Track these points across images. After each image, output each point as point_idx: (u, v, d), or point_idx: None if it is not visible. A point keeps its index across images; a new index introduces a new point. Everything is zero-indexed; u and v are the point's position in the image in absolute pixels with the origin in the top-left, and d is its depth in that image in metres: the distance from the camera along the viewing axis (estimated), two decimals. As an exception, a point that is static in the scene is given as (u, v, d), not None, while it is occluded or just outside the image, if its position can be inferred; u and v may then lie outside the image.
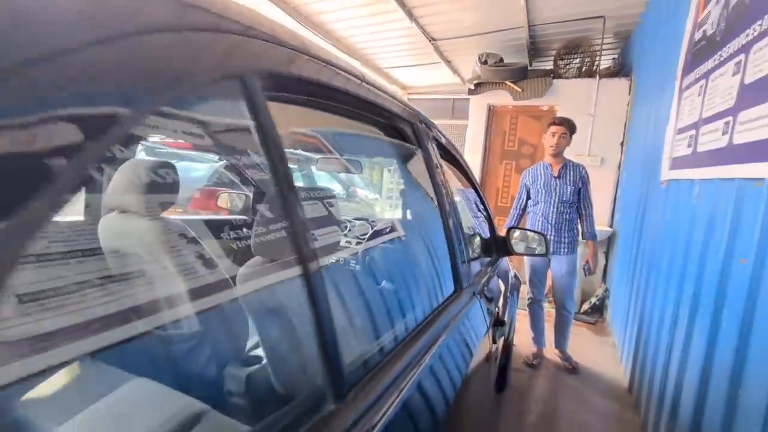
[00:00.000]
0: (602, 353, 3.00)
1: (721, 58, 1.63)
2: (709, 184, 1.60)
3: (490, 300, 1.30)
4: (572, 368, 2.67)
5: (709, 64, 1.76)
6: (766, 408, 1.05)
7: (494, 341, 1.29)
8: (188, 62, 0.36)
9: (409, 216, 1.58)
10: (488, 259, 1.60)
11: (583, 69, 4.15)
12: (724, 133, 1.51)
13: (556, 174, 2.63)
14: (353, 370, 0.56)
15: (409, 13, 3.76)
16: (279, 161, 0.47)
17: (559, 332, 2.78)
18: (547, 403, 2.31)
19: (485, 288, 1.28)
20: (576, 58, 4.20)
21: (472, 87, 4.51)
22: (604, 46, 4.10)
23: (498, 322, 1.32)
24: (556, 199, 2.61)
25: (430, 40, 4.43)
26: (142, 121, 0.33)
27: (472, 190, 1.70)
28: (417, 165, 1.01)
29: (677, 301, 1.77)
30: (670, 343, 1.80)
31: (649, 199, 2.59)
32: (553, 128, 2.62)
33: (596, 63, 4.13)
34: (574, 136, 2.68)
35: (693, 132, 1.85)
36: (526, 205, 2.77)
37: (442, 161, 1.14)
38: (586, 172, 2.66)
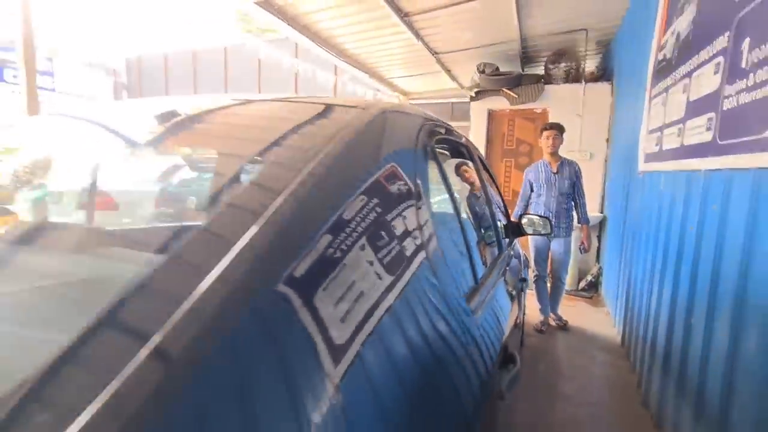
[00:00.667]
0: (598, 320, 3.53)
1: (675, 78, 2.15)
2: (670, 174, 2.13)
3: (513, 266, 1.80)
4: (564, 325, 3.25)
5: (668, 81, 2.28)
6: (729, 338, 1.56)
7: (519, 297, 1.79)
8: (416, 138, 0.86)
9: (470, 207, 2.09)
10: (507, 240, 2.11)
11: (570, 74, 4.68)
12: (678, 136, 2.03)
13: (555, 170, 3.15)
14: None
15: (417, 34, 4.26)
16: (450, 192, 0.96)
17: (553, 299, 3.34)
18: (554, 356, 2.83)
19: (511, 255, 1.79)
20: (564, 64, 4.72)
21: (473, 95, 5.03)
22: (588, 53, 4.65)
23: (522, 279, 1.83)
24: (556, 192, 3.13)
25: (432, 54, 4.94)
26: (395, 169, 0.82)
27: (494, 186, 2.21)
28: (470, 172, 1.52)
29: (652, 265, 2.30)
30: (649, 298, 2.32)
31: (630, 187, 3.12)
32: (546, 132, 3.16)
33: (582, 68, 4.66)
34: (565, 135, 3.22)
35: (659, 134, 2.38)
36: (530, 197, 3.29)
37: (480, 165, 1.64)
38: (579, 168, 3.20)
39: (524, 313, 2.86)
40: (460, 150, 1.38)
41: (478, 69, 5.00)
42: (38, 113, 2.55)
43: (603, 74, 4.74)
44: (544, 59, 4.98)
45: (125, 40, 21.54)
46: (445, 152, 1.31)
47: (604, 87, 4.42)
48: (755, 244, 1.26)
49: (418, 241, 0.67)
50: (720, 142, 1.55)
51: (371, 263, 0.53)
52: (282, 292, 0.41)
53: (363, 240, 0.53)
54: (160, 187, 0.87)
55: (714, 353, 1.48)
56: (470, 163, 1.56)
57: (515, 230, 2.18)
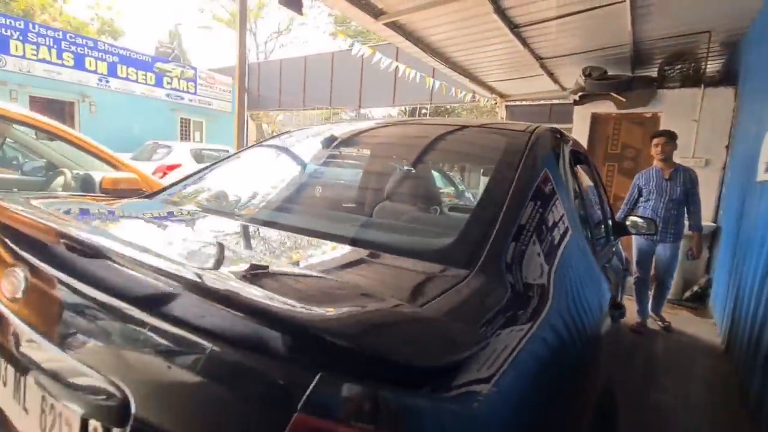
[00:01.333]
0: (702, 329, 3.48)
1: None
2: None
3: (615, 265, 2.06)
4: (667, 326, 3.29)
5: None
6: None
7: (621, 284, 2.05)
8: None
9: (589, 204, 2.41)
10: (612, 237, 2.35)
11: (688, 78, 4.49)
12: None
13: (667, 177, 3.20)
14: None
15: (524, 42, 4.49)
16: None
17: (657, 301, 3.39)
18: (652, 354, 2.95)
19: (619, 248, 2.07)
20: (680, 67, 4.55)
21: (577, 98, 5.08)
22: (710, 55, 4.43)
23: (625, 270, 2.09)
24: (666, 198, 3.19)
25: (537, 59, 5.10)
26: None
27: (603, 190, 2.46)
28: (587, 176, 1.84)
29: (764, 271, 2.34)
30: (757, 305, 2.37)
31: (747, 196, 3.06)
32: (655, 140, 3.23)
33: (702, 71, 4.45)
34: (678, 141, 3.24)
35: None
36: (636, 201, 3.38)
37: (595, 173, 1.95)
38: (695, 175, 3.21)
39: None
40: (581, 158, 1.72)
41: (584, 73, 5.03)
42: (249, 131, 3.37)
43: (725, 77, 4.48)
44: (658, 62, 4.83)
45: (257, 51, 24.39)
46: (575, 157, 1.66)
47: (726, 91, 4.20)
48: None
49: (570, 226, 1.05)
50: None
51: (561, 226, 0.95)
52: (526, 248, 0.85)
53: (552, 197, 0.95)
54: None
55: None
56: (587, 168, 1.88)
57: (619, 229, 2.41)
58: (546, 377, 0.61)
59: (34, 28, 8.94)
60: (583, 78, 5.02)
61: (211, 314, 0.48)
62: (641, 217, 2.56)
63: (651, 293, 3.42)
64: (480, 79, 6.43)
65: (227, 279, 0.57)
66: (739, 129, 3.91)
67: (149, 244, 0.70)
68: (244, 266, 0.69)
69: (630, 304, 3.49)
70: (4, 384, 0.67)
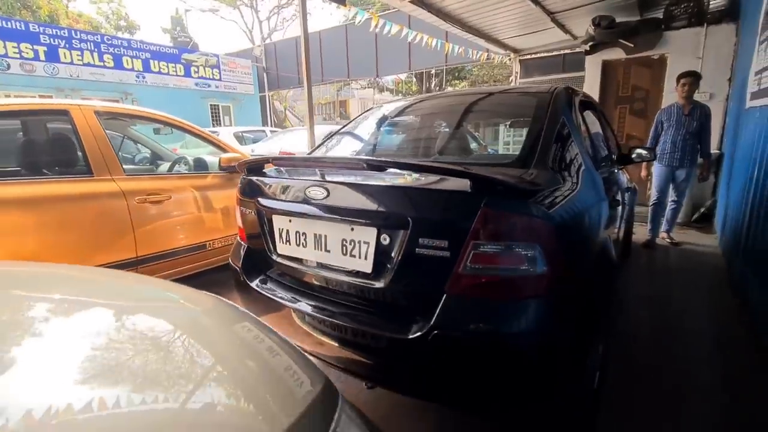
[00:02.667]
0: (706, 241, 4.10)
1: (774, 29, 2.67)
2: (764, 109, 2.72)
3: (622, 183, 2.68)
4: (676, 244, 3.91)
5: (771, 29, 2.77)
6: None
7: (624, 201, 2.69)
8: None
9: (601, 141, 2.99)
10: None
11: (693, 15, 4.83)
12: (769, 77, 2.61)
13: (686, 113, 3.72)
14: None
15: (536, 1, 4.89)
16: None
17: (670, 219, 4.00)
18: (659, 263, 3.61)
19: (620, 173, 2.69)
20: (685, 4, 4.87)
21: (588, 48, 5.48)
22: (714, -8, 4.74)
23: (629, 189, 2.73)
24: (684, 131, 3.72)
25: (548, 14, 5.47)
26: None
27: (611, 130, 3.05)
28: (592, 120, 2.45)
29: (747, 177, 2.93)
30: (745, 210, 2.97)
31: (739, 122, 3.57)
32: (682, 80, 3.70)
33: (706, 8, 4.78)
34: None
35: (761, 75, 2.89)
36: (660, 134, 3.91)
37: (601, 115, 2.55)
38: (709, 111, 3.72)
39: (632, 230, 3.66)
40: (592, 105, 2.33)
41: (593, 22, 5.39)
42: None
43: (728, 14, 4.79)
44: (665, 3, 5.14)
45: (260, 28, 24.47)
46: (583, 105, 2.27)
47: (728, 28, 4.56)
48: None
49: (580, 150, 1.69)
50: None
51: (574, 149, 1.60)
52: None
53: (567, 139, 1.61)
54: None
55: (764, 228, 2.26)
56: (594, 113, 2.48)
57: (624, 159, 3.01)
58: (579, 209, 1.31)
59: (76, 35, 9.66)
60: (593, 28, 5.39)
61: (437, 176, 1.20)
62: (645, 148, 3.13)
63: (665, 216, 4.02)
64: (494, 37, 6.80)
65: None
66: (739, 63, 4.31)
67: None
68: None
69: (641, 229, 4.12)
70: (305, 245, 1.41)
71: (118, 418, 0.56)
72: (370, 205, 1.24)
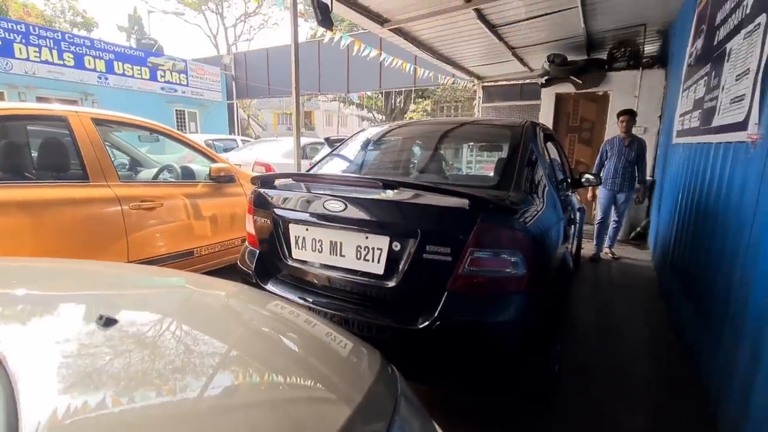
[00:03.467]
0: (641, 256, 4.71)
1: (692, 80, 3.26)
2: (685, 145, 3.29)
3: (575, 204, 3.12)
4: (617, 258, 4.46)
5: (691, 80, 3.38)
6: (693, 237, 2.80)
7: (576, 219, 3.12)
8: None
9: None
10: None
11: (630, 61, 5.59)
12: (689, 120, 3.18)
13: (626, 144, 4.31)
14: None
15: (499, 37, 5.44)
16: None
17: (612, 238, 4.55)
18: (603, 273, 4.12)
19: (573, 195, 3.13)
20: (623, 50, 5.62)
21: (543, 82, 6.12)
22: (647, 41, 5.52)
23: (580, 209, 3.17)
24: (623, 159, 4.31)
25: (510, 49, 6.07)
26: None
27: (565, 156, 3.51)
28: (552, 149, 2.86)
29: (673, 202, 3.49)
30: (671, 230, 3.52)
31: (668, 155, 4.21)
32: (621, 117, 4.30)
33: (640, 55, 5.55)
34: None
35: (684, 118, 3.49)
36: (604, 161, 4.48)
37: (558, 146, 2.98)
38: (645, 144, 4.35)
39: (581, 245, 4.16)
40: (551, 137, 2.74)
41: (548, 59, 6.05)
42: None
43: (658, 61, 5.60)
44: (609, 46, 5.89)
45: (226, 35, 24.04)
46: (545, 136, 2.67)
47: (659, 72, 5.33)
48: (711, 186, 2.52)
49: (544, 175, 2.05)
50: (701, 127, 2.75)
51: (540, 174, 1.96)
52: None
53: (535, 166, 1.96)
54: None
55: (689, 239, 2.76)
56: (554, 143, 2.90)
57: (576, 183, 3.48)
58: (545, 224, 1.63)
59: (34, 30, 9.14)
60: (548, 63, 6.04)
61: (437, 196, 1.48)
62: (592, 174, 3.64)
63: (608, 233, 4.58)
64: (461, 65, 7.35)
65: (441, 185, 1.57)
66: (668, 103, 5.05)
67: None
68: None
69: (588, 245, 4.66)
70: (321, 251, 1.63)
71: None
72: (384, 217, 1.49)
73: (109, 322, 0.73)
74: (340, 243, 1.58)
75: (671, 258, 3.32)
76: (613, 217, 4.54)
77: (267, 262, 1.85)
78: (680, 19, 4.66)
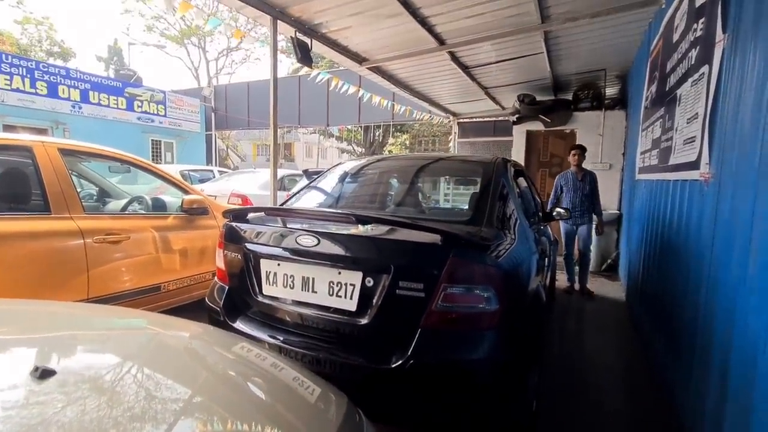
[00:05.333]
0: (613, 290, 4.81)
1: (650, 121, 3.49)
2: (647, 181, 3.47)
3: (548, 236, 3.20)
4: (591, 294, 4.50)
5: (649, 121, 3.62)
6: (661, 268, 2.90)
7: (550, 251, 3.19)
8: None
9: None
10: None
11: (594, 103, 5.97)
12: (649, 158, 3.37)
13: (579, 178, 4.48)
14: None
15: (472, 77, 5.73)
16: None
17: (582, 272, 4.62)
18: (577, 306, 4.18)
19: (546, 228, 3.21)
20: (587, 92, 6.02)
21: (514, 120, 6.42)
22: (608, 85, 5.93)
23: (553, 242, 3.24)
24: (580, 193, 4.46)
25: (482, 89, 6.38)
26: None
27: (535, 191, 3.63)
28: (523, 184, 2.96)
29: (641, 236, 3.63)
30: (639, 263, 3.64)
31: (633, 190, 4.43)
32: (572, 152, 4.50)
33: (603, 96, 5.94)
34: (590, 149, 4.53)
35: (644, 156, 3.70)
36: (559, 196, 4.63)
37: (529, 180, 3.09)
38: (596, 177, 4.51)
39: (555, 277, 4.22)
40: (522, 172, 2.84)
41: (518, 99, 6.38)
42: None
43: (619, 102, 6.00)
44: (574, 87, 6.29)
45: (207, 68, 24.28)
46: (516, 172, 2.76)
47: (620, 113, 5.70)
48: (672, 221, 2.64)
49: (516, 210, 2.10)
50: (659, 165, 2.92)
51: (512, 209, 2.01)
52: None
53: (506, 201, 2.01)
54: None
55: (656, 272, 2.85)
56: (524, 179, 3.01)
57: (547, 216, 3.59)
58: (518, 258, 1.65)
59: (7, 59, 8.98)
60: (519, 103, 6.37)
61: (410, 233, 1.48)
62: (562, 208, 3.77)
63: (576, 266, 4.67)
64: (436, 102, 7.65)
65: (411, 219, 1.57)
66: (629, 140, 5.37)
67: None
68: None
69: (561, 276, 4.75)
70: (292, 287, 1.58)
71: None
72: (357, 252, 1.48)
73: (45, 373, 0.67)
74: (312, 279, 1.55)
75: (640, 291, 3.42)
76: (579, 251, 4.61)
77: (236, 298, 1.79)
78: (636, 66, 5.05)
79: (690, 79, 2.25)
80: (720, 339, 1.54)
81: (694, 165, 2.06)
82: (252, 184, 7.21)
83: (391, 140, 22.91)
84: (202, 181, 8.25)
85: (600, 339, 3.30)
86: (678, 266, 2.27)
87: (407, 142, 22.78)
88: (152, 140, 12.56)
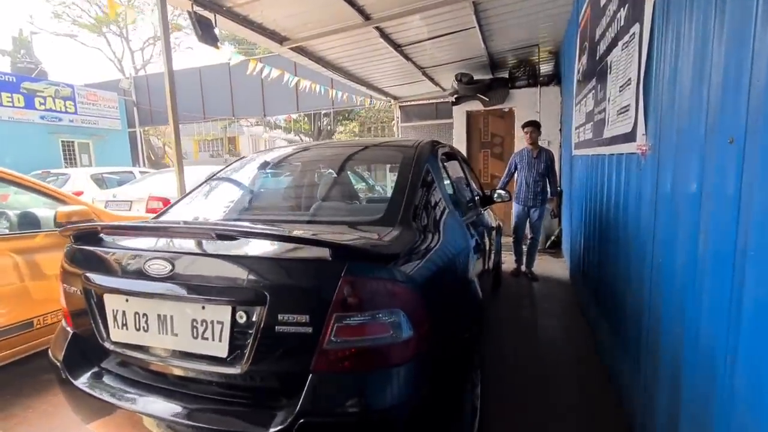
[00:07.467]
0: (557, 268, 4.78)
1: (582, 94, 3.36)
2: (583, 157, 3.35)
3: (486, 224, 2.99)
4: (536, 279, 4.39)
5: (581, 94, 3.49)
6: (600, 245, 2.78)
7: (491, 241, 2.98)
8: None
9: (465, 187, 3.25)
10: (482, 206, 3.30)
11: (529, 79, 5.89)
12: (584, 133, 3.25)
13: (535, 156, 4.28)
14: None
15: (406, 57, 5.40)
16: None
17: (529, 256, 4.50)
18: (524, 290, 4.07)
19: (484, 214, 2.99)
20: (522, 69, 5.93)
21: (453, 100, 6.21)
22: (541, 61, 5.86)
23: (495, 229, 3.03)
24: (534, 172, 4.27)
25: (419, 69, 6.09)
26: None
27: (473, 174, 3.40)
28: (455, 168, 2.69)
29: (581, 215, 3.53)
30: (581, 240, 3.55)
31: (571, 166, 4.36)
32: (525, 129, 4.29)
33: (537, 74, 5.87)
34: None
35: (579, 130, 3.59)
36: (513, 174, 4.45)
37: (464, 163, 2.82)
38: (553, 155, 4.34)
39: (500, 261, 4.08)
40: (454, 155, 2.56)
41: (456, 78, 6.17)
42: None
43: (553, 78, 5.96)
44: (510, 65, 6.18)
45: (132, 59, 21.96)
46: (446, 155, 2.49)
47: (554, 90, 5.65)
48: (610, 198, 2.49)
49: (443, 199, 1.82)
50: (594, 139, 2.77)
51: (437, 200, 1.70)
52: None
53: (430, 192, 1.71)
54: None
55: (597, 255, 2.72)
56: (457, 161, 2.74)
57: (487, 200, 3.38)
58: (443, 263, 1.35)
59: None
60: (456, 82, 6.16)
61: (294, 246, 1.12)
62: (502, 190, 3.57)
63: (525, 249, 4.52)
64: (375, 86, 7.27)
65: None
66: (564, 116, 5.34)
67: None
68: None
69: (509, 257, 4.64)
70: (146, 329, 1.18)
71: None
72: (222, 278, 1.10)
73: None
74: (171, 317, 1.16)
75: (583, 272, 3.33)
76: (528, 234, 4.47)
77: (85, 346, 1.35)
78: (566, 39, 4.97)
79: (620, 43, 2.06)
80: (670, 338, 1.35)
81: (629, 137, 1.88)
82: (175, 184, 6.48)
83: (339, 128, 22.27)
84: (121, 183, 7.34)
85: (547, 319, 3.17)
86: (618, 248, 2.12)
87: (356, 130, 22.26)
88: (63, 141, 11.07)
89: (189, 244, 1.20)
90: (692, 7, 1.25)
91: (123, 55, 22.32)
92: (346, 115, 20.70)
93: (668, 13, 1.46)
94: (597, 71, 2.67)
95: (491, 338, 2.82)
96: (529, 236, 4.48)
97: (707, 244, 1.11)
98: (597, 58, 2.68)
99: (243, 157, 2.33)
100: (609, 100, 2.30)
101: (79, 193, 6.13)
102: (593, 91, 2.80)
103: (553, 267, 4.80)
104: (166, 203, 5.76)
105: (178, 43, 24.94)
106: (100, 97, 12.07)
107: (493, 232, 3.32)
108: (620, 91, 2.04)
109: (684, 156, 1.27)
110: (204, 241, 1.18)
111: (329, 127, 21.59)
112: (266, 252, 1.12)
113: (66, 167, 10.05)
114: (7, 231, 2.60)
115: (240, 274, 1.09)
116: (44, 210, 2.80)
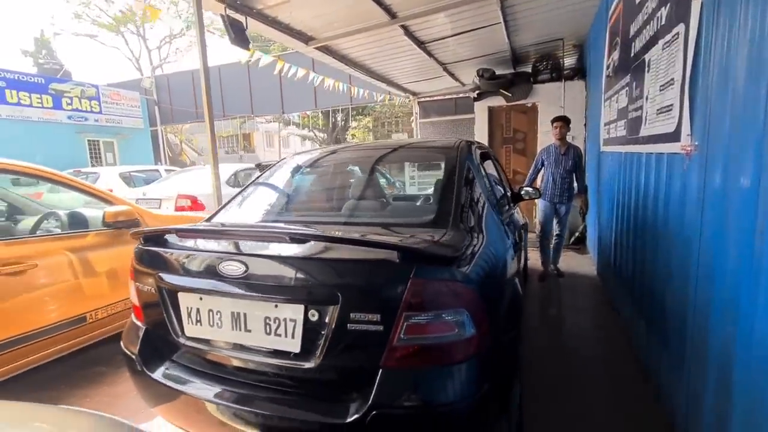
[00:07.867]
0: (583, 264, 4.76)
1: (613, 90, 3.33)
2: (614, 154, 3.33)
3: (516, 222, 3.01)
4: (562, 275, 4.37)
5: (612, 90, 3.46)
6: (635, 243, 2.77)
7: (521, 239, 3.00)
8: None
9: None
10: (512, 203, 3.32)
11: (554, 73, 5.82)
12: (615, 129, 3.22)
13: (562, 152, 4.21)
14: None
15: (429, 53, 5.40)
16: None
17: (556, 253, 4.47)
18: (551, 286, 4.08)
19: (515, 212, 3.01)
20: (545, 63, 5.86)
21: (475, 96, 6.19)
22: (566, 55, 5.78)
23: (523, 227, 3.06)
24: (561, 168, 4.20)
25: (440, 65, 6.08)
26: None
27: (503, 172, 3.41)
28: (490, 168, 2.72)
29: (611, 212, 3.52)
30: (611, 237, 3.54)
31: (599, 161, 4.32)
32: (554, 124, 4.22)
33: (561, 68, 5.80)
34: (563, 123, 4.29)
35: (608, 126, 3.56)
36: (540, 170, 4.40)
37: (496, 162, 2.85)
38: (581, 151, 4.26)
39: (527, 258, 4.08)
40: (488, 154, 2.59)
41: (478, 74, 6.14)
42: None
43: (578, 73, 5.88)
44: (533, 59, 6.11)
45: (150, 57, 22.40)
46: (482, 155, 2.52)
47: (579, 83, 5.58)
48: (648, 196, 2.49)
49: (485, 200, 1.85)
50: (628, 137, 2.76)
51: (481, 202, 1.75)
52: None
53: (474, 193, 1.75)
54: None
55: (631, 252, 2.72)
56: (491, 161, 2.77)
57: (516, 197, 3.39)
58: (491, 263, 1.40)
59: None
60: (478, 78, 6.13)
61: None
62: (529, 187, 3.57)
63: (552, 246, 4.47)
64: (395, 82, 7.29)
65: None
66: (591, 111, 5.27)
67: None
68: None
69: (533, 254, 4.63)
70: (220, 326, 1.26)
71: None
72: (295, 279, 1.17)
73: None
74: (244, 315, 1.24)
75: (616, 269, 3.32)
76: (555, 230, 4.39)
77: (157, 341, 1.44)
78: (593, 34, 4.90)
79: (661, 42, 2.05)
80: (719, 337, 1.37)
81: (671, 137, 1.88)
82: (202, 182, 6.63)
83: (353, 124, 22.31)
84: (147, 181, 7.55)
85: (577, 316, 3.19)
86: (657, 246, 2.12)
87: (370, 125, 22.26)
88: (89, 141, 11.41)
89: (262, 247, 1.27)
90: (747, 5, 1.26)
91: (140, 53, 22.80)
92: (361, 111, 20.72)
93: (718, 13, 1.47)
94: (632, 68, 2.65)
95: (524, 334, 2.86)
96: (555, 233, 4.43)
97: (764, 242, 1.13)
98: (632, 55, 2.66)
99: (283, 159, 2.41)
100: (647, 99, 2.29)
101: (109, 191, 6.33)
102: (627, 89, 2.78)
103: (578, 263, 4.79)
104: (194, 201, 5.92)
105: (193, 41, 25.31)
106: (123, 97, 12.37)
107: (523, 231, 3.34)
108: (661, 91, 2.04)
109: (738, 155, 1.28)
110: (277, 244, 1.25)
111: (343, 122, 21.65)
112: (338, 255, 1.19)
113: (92, 166, 10.36)
114: (59, 230, 2.73)
115: (312, 275, 1.16)
116: (90, 210, 2.93)
